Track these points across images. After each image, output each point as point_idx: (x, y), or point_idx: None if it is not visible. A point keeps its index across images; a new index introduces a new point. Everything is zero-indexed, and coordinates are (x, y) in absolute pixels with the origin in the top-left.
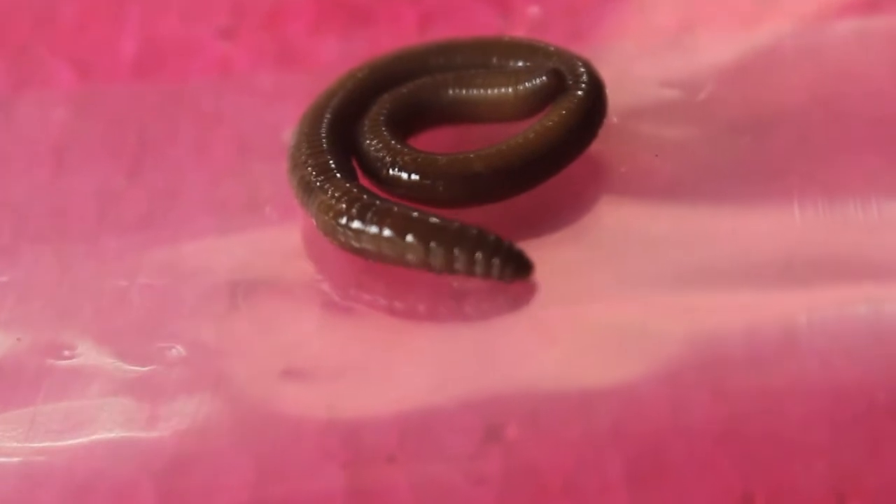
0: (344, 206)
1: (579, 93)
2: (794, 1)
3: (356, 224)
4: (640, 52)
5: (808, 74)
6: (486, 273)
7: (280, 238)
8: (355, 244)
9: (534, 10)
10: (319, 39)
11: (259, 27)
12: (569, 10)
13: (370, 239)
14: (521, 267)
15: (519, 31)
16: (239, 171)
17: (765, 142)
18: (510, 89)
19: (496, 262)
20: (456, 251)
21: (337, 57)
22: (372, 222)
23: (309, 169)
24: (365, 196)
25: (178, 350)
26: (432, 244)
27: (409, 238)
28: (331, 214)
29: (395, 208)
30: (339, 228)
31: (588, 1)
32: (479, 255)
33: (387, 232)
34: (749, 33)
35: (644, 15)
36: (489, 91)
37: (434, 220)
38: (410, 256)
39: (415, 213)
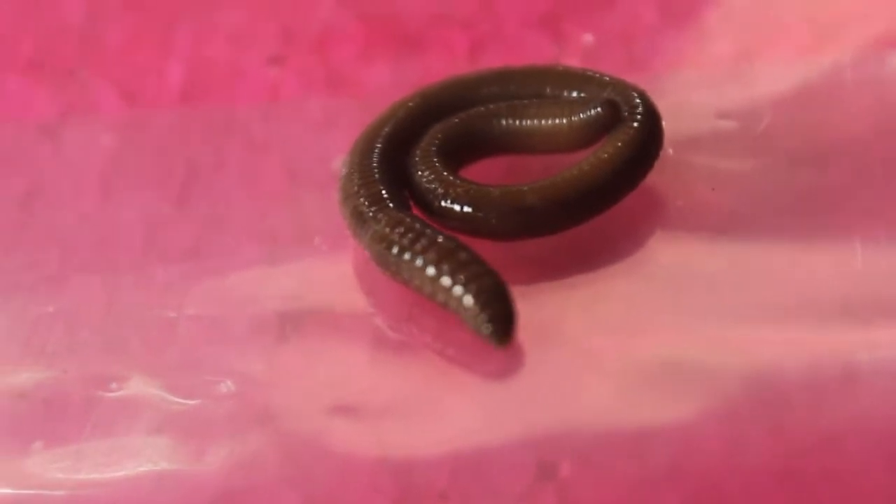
0: (397, 236)
1: (635, 124)
2: (853, 30)
3: (407, 255)
4: (696, 82)
5: (868, 105)
6: (468, 315)
7: (330, 269)
8: (406, 276)
9: (588, 38)
10: (369, 66)
11: (308, 53)
12: (624, 38)
13: (417, 272)
14: (498, 332)
15: (573, 60)
16: (288, 199)
17: (825, 174)
18: (564, 120)
19: (483, 316)
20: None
21: (387, 83)
22: (419, 254)
23: (361, 199)
24: (417, 225)
25: (226, 383)
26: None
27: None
28: (384, 245)
29: (440, 239)
30: (391, 259)
31: (643, 29)
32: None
33: (429, 268)
34: (808, 63)
35: (701, 44)
36: (543, 122)
37: (463, 255)
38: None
39: (451, 245)
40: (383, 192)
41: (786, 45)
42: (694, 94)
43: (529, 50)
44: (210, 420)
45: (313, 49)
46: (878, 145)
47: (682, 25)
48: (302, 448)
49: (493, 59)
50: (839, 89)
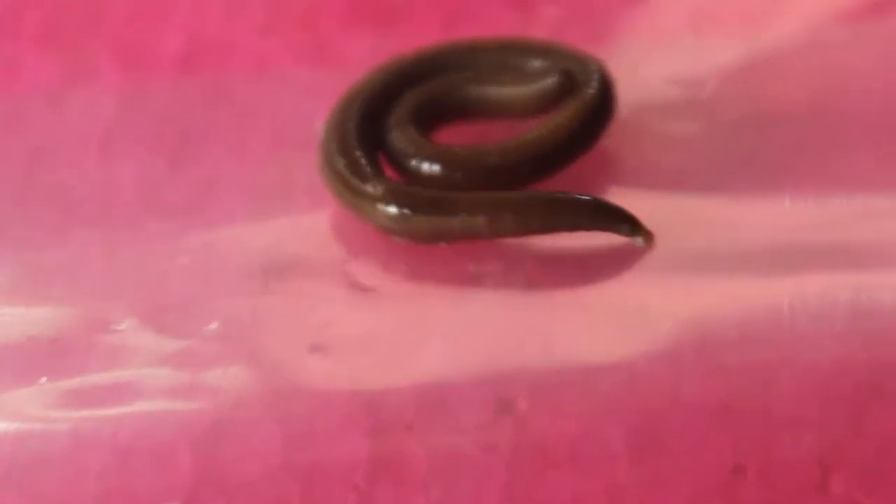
0: (381, 194)
1: (590, 91)
2: (798, 3)
3: (394, 208)
4: (650, 51)
5: (808, 74)
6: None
7: (310, 224)
8: (393, 225)
9: (553, 11)
10: (351, 37)
11: (295, 25)
12: (586, 10)
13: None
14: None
15: (539, 31)
16: (274, 161)
17: (765, 138)
18: (525, 88)
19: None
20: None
21: (367, 54)
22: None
23: (342, 164)
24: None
25: (214, 326)
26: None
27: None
28: (370, 202)
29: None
30: (378, 213)
31: (604, 3)
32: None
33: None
34: (753, 34)
35: (656, 15)
36: (506, 90)
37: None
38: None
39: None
40: (361, 156)
41: (734, 17)
42: (648, 63)
43: (499, 22)
44: (200, 360)
45: (300, 21)
46: (815, 111)
47: None
48: (283, 385)
49: (466, 30)
50: (781, 59)
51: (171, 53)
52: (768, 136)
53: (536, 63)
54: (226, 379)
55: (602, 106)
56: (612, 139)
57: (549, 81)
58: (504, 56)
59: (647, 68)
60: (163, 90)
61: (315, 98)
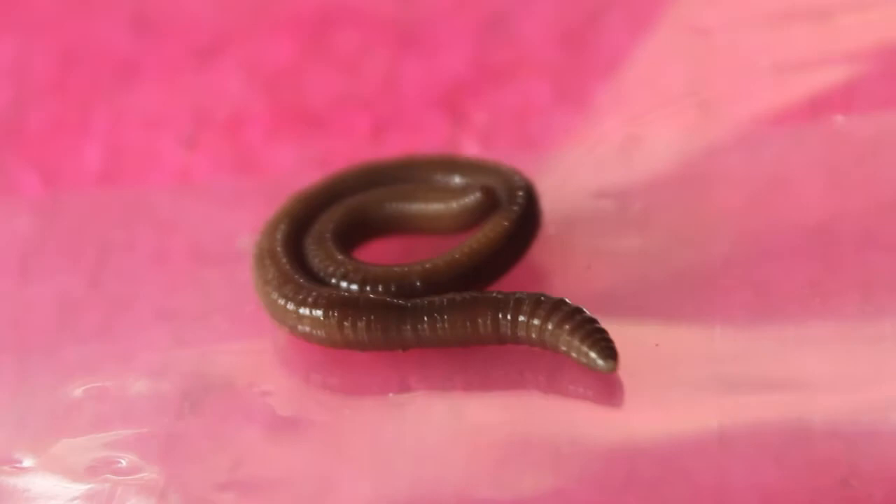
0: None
1: (514, 208)
2: (735, 109)
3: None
4: (582, 161)
5: (745, 183)
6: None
7: (230, 349)
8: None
9: (483, 118)
10: (275, 147)
11: (218, 135)
12: (517, 117)
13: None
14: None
15: (469, 138)
16: (193, 278)
17: (697, 254)
18: (446, 206)
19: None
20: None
21: (292, 164)
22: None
23: (276, 282)
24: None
25: (127, 460)
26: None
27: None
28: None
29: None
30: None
31: (536, 108)
32: None
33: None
34: (689, 141)
35: (589, 122)
36: (428, 207)
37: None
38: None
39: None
40: (297, 275)
41: (670, 123)
42: (578, 173)
43: (428, 129)
44: (111, 497)
45: (223, 131)
46: (752, 222)
47: (572, 104)
48: None
49: (394, 139)
50: (718, 167)
51: (91, 165)
52: (701, 251)
53: (463, 179)
54: None
55: (524, 225)
56: (541, 254)
57: (471, 198)
58: (431, 172)
59: (578, 178)
60: (82, 205)
61: (237, 210)
